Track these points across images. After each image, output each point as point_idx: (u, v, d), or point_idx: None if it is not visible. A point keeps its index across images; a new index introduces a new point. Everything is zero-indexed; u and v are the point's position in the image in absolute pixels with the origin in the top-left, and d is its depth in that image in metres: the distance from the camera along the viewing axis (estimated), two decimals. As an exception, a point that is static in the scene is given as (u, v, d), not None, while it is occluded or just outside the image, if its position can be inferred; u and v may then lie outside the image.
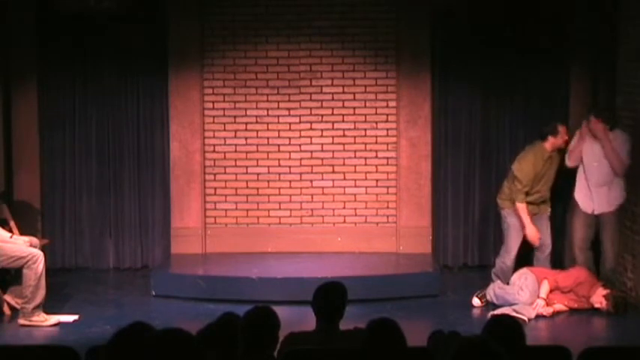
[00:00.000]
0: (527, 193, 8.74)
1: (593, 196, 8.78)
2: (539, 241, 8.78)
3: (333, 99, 10.05)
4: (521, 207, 8.72)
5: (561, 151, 8.97)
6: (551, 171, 8.91)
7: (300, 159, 10.09)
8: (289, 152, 10.09)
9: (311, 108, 10.05)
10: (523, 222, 8.73)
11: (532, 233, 8.73)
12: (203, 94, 10.04)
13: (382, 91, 10.02)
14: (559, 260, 9.53)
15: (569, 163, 8.90)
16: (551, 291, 8.32)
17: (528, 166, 8.75)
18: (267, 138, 10.09)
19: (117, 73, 10.09)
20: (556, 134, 8.79)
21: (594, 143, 8.72)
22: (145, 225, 10.24)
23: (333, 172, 10.09)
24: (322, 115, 10.06)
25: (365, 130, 10.05)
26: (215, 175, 10.14)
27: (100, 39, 10.01)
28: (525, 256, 9.12)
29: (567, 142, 8.89)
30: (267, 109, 10.07)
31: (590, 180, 8.78)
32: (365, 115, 10.05)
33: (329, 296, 5.35)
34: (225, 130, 10.10)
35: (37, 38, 9.93)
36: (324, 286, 5.45)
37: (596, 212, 8.79)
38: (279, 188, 10.11)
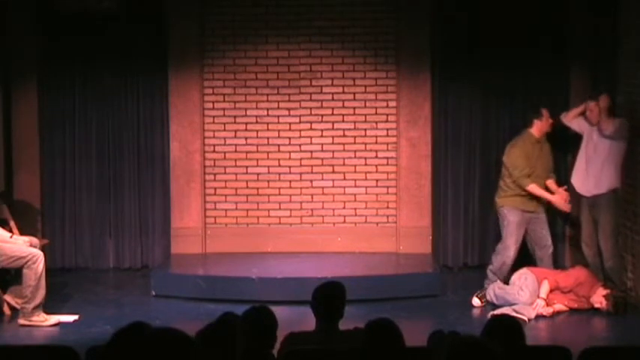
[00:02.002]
0: (529, 175, 8.74)
1: (589, 178, 8.82)
2: (568, 205, 8.79)
3: (333, 99, 10.05)
4: (533, 187, 8.74)
5: (550, 142, 9.00)
6: (542, 161, 8.91)
7: (300, 159, 10.10)
8: (289, 152, 10.09)
9: (311, 108, 10.05)
10: (546, 199, 8.79)
11: (559, 201, 8.79)
12: (203, 94, 10.04)
13: (382, 91, 10.03)
14: (560, 260, 9.54)
15: (564, 118, 9.10)
16: (551, 291, 8.32)
17: (517, 151, 8.81)
18: (267, 138, 10.09)
19: (117, 73, 10.09)
20: (540, 117, 8.86)
21: (593, 127, 8.80)
22: (145, 225, 10.24)
23: (333, 172, 10.09)
24: (322, 115, 10.06)
25: (365, 130, 10.05)
26: (215, 175, 10.15)
27: (100, 39, 10.01)
28: (525, 256, 9.14)
29: (553, 125, 8.95)
30: (267, 109, 10.08)
31: (587, 161, 8.81)
32: (365, 115, 10.05)
33: (328, 296, 5.35)
34: (225, 130, 10.10)
35: (37, 38, 9.93)
36: (323, 286, 5.45)
37: (589, 194, 8.80)
38: (279, 188, 10.11)
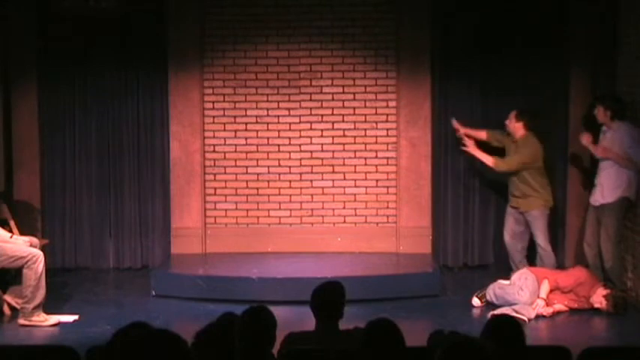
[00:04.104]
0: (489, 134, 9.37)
1: (597, 187, 8.80)
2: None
3: (333, 99, 10.05)
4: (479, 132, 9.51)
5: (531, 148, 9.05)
6: (510, 154, 9.15)
7: (300, 159, 10.10)
8: (289, 152, 10.09)
9: (311, 108, 10.05)
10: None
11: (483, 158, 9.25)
12: (203, 94, 10.04)
13: (382, 91, 10.03)
14: (560, 260, 9.54)
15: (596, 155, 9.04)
16: (551, 291, 8.32)
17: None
18: (267, 138, 10.09)
19: (117, 73, 10.09)
20: (509, 118, 9.16)
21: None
22: (145, 225, 10.24)
23: (333, 172, 10.09)
24: (322, 115, 10.06)
25: (365, 130, 10.05)
26: (215, 175, 10.15)
27: (99, 39, 10.02)
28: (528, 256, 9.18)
29: (512, 128, 9.13)
30: (267, 109, 10.08)
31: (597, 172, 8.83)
32: (365, 115, 10.05)
33: (327, 296, 5.35)
34: (225, 130, 10.11)
35: (37, 38, 9.94)
36: (322, 286, 5.45)
37: (597, 203, 8.78)
38: (279, 188, 10.11)
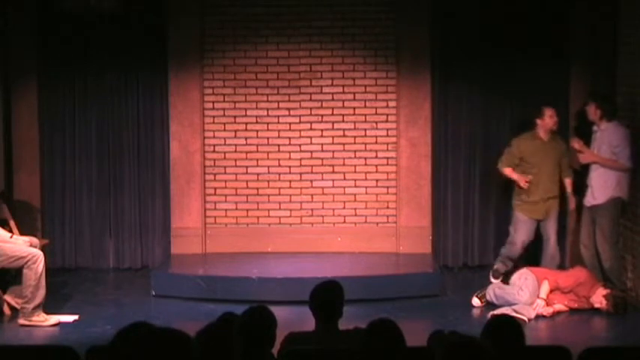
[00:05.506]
0: (510, 165, 9.02)
1: (588, 188, 8.80)
2: (525, 181, 8.92)
3: (333, 99, 10.05)
4: (505, 170, 9.06)
5: (563, 146, 9.01)
6: (548, 161, 8.96)
7: (300, 159, 10.10)
8: (289, 152, 10.09)
9: (311, 108, 10.05)
10: (512, 178, 9.04)
11: (516, 177, 8.98)
12: (203, 94, 10.04)
13: (382, 91, 10.03)
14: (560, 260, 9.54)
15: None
16: (551, 291, 8.32)
17: (516, 141, 9.04)
18: (267, 138, 10.09)
19: (117, 72, 10.09)
20: (542, 116, 8.95)
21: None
22: (145, 225, 10.25)
23: (333, 172, 10.10)
24: (322, 115, 10.06)
25: (365, 130, 10.06)
26: (215, 175, 10.15)
27: (100, 39, 10.02)
28: (530, 255, 9.18)
29: (557, 123, 8.99)
30: (267, 109, 10.08)
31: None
32: (365, 115, 10.05)
33: (325, 296, 5.34)
34: (225, 130, 10.11)
35: (37, 38, 9.94)
36: (319, 287, 5.44)
37: (590, 204, 8.78)
38: (279, 188, 10.11)
